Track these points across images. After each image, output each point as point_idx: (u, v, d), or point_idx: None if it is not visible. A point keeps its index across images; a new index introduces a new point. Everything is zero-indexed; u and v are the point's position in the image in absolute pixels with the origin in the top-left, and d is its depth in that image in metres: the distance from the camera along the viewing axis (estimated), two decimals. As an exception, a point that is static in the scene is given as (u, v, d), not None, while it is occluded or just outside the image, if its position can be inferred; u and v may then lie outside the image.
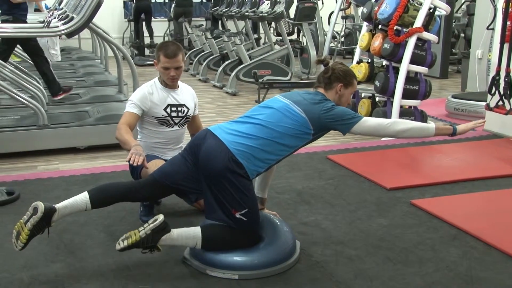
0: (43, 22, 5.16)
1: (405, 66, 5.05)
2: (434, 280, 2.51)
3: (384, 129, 2.68)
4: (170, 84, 3.21)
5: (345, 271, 2.58)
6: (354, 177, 3.93)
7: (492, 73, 5.04)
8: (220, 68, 8.35)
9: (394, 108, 5.07)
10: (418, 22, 5.01)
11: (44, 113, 4.73)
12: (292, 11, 8.95)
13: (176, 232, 2.50)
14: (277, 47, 9.04)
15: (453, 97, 6.18)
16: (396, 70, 5.17)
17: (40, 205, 2.44)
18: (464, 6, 9.63)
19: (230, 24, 10.17)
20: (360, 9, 7.92)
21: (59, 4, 6.11)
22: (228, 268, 2.51)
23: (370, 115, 5.29)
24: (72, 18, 4.74)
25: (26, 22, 5.61)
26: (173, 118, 3.23)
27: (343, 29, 11.38)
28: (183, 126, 3.33)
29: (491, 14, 6.29)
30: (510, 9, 4.78)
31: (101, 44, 8.50)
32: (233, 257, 2.53)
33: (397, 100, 5.08)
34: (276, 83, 7.48)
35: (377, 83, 5.27)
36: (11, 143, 4.57)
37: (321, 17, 10.07)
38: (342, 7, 9.71)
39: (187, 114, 3.29)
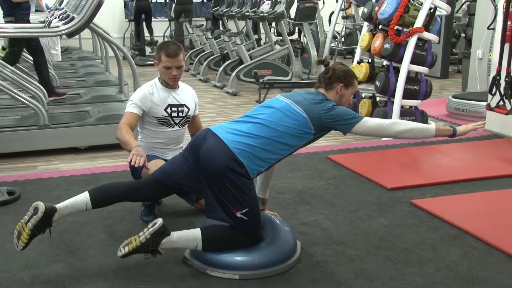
0: (43, 22, 5.16)
1: (405, 66, 5.05)
2: (435, 280, 2.51)
3: (385, 129, 2.68)
4: (171, 83, 3.21)
5: (346, 271, 2.58)
6: (355, 177, 3.93)
7: (493, 73, 5.04)
8: (221, 68, 8.35)
9: (395, 108, 5.07)
10: (419, 22, 5.01)
11: (45, 113, 4.73)
12: (292, 11, 8.93)
13: (176, 234, 2.50)
14: (277, 47, 9.03)
15: (454, 97, 6.18)
16: (397, 70, 5.16)
17: (41, 205, 2.45)
18: (464, 6, 9.62)
19: (230, 24, 10.17)
20: (360, 9, 7.95)
21: (60, 4, 6.11)
22: (229, 268, 2.51)
23: (371, 115, 5.29)
24: (72, 18, 4.74)
25: (29, 22, 5.61)
26: (174, 118, 3.23)
27: (344, 29, 11.38)
28: (184, 126, 3.33)
29: (491, 14, 6.30)
30: (510, 9, 4.78)
31: (101, 44, 8.50)
32: (234, 257, 2.53)
33: (398, 100, 5.08)
34: (277, 83, 7.48)
35: (377, 83, 5.27)
36: (12, 143, 4.57)
37: (322, 17, 10.09)
38: (342, 7, 9.71)
39: (188, 114, 3.29)
